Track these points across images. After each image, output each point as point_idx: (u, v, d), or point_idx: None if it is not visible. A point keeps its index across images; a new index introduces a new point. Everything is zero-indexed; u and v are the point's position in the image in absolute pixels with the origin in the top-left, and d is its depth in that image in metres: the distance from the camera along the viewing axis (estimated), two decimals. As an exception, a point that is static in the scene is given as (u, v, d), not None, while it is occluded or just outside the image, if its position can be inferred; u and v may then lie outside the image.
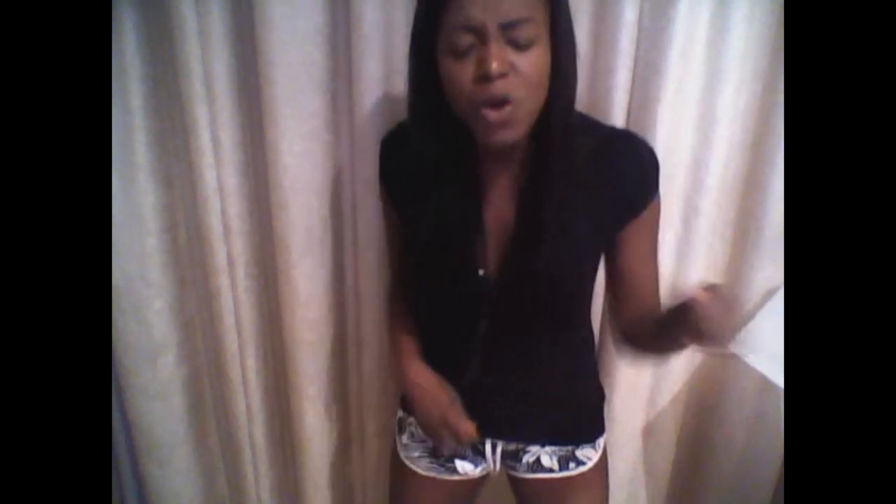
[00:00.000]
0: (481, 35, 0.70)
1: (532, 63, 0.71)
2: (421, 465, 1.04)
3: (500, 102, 0.72)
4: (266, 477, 1.40)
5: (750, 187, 1.11)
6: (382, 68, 1.03)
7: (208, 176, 1.10)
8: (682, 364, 1.24)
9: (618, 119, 1.04)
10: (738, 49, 1.01)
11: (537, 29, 0.71)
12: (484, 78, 0.70)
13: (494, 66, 0.69)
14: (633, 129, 1.05)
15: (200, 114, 1.05)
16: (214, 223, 1.14)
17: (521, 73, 0.71)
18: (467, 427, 0.88)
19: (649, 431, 1.29)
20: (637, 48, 1.00)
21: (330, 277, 1.23)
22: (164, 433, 1.33)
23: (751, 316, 1.15)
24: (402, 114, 1.04)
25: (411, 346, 0.97)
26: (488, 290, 0.87)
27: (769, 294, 1.14)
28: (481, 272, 0.86)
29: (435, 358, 0.96)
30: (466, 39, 0.70)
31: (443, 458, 1.02)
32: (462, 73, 0.72)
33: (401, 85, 1.05)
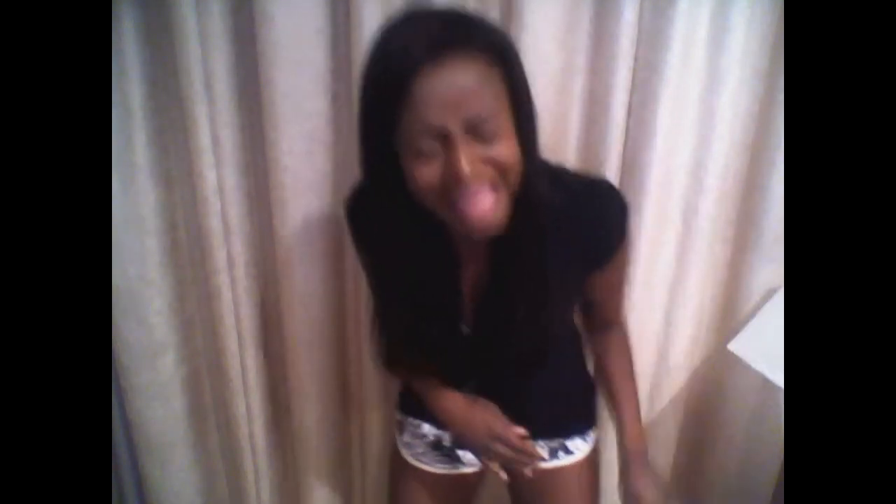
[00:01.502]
0: (445, 139, 0.65)
1: (502, 152, 0.67)
2: (426, 461, 1.05)
3: (482, 194, 0.68)
4: (266, 477, 1.40)
5: (750, 188, 1.11)
6: (382, 68, 1.03)
7: (208, 176, 1.10)
8: (682, 364, 1.24)
9: (618, 119, 1.04)
10: (738, 49, 1.01)
11: (500, 115, 0.67)
12: (456, 181, 0.66)
13: (466, 170, 0.65)
14: (633, 129, 1.05)
15: (200, 114, 1.05)
16: (214, 223, 1.14)
17: (494, 163, 0.67)
18: (517, 432, 0.89)
19: (649, 431, 1.29)
20: (637, 48, 1.00)
21: (330, 277, 1.23)
22: (164, 433, 1.33)
23: (751, 316, 1.15)
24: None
25: (433, 382, 0.96)
26: (472, 344, 0.88)
27: (769, 294, 1.14)
28: (465, 329, 0.87)
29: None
30: (430, 143, 0.66)
31: (446, 449, 1.03)
32: (430, 175, 0.67)
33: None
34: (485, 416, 0.91)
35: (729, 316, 1.20)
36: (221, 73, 1.06)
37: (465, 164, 0.65)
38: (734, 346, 1.10)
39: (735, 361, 1.11)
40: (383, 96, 0.66)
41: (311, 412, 1.31)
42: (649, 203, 1.07)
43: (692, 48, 1.00)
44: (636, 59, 1.01)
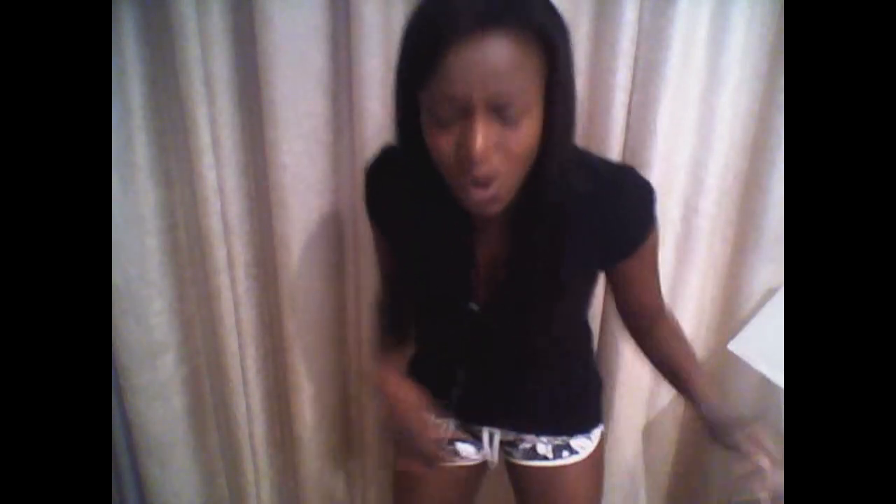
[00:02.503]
0: (466, 109, 0.64)
1: (519, 139, 0.65)
2: None
3: (484, 181, 0.67)
4: (266, 477, 1.40)
5: (750, 187, 1.11)
6: (382, 68, 1.03)
7: (208, 176, 1.10)
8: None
9: (618, 119, 1.04)
10: (737, 49, 1.01)
11: (529, 99, 0.65)
12: (466, 157, 0.65)
13: (479, 145, 0.63)
14: (633, 129, 1.05)
15: (200, 114, 1.05)
16: (214, 223, 1.14)
17: (506, 149, 0.66)
18: (433, 436, 0.86)
19: (649, 431, 1.29)
20: (637, 48, 1.00)
21: (330, 277, 1.23)
22: (164, 433, 1.33)
23: (751, 316, 1.15)
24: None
25: (392, 358, 0.95)
26: (482, 323, 0.87)
27: (769, 294, 1.14)
28: (475, 307, 0.86)
29: (430, 367, 0.97)
30: (450, 111, 0.64)
31: (444, 441, 1.02)
32: (444, 144, 0.67)
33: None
34: (411, 403, 0.87)
35: (729, 316, 1.20)
36: (221, 73, 1.06)
37: (481, 142, 0.64)
38: (734, 346, 1.10)
39: (735, 361, 1.11)
40: (417, 57, 0.65)
41: (311, 412, 1.31)
42: (649, 203, 1.07)
43: (692, 48, 1.00)
44: (636, 59, 1.01)
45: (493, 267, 0.84)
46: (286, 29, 1.01)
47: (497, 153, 0.66)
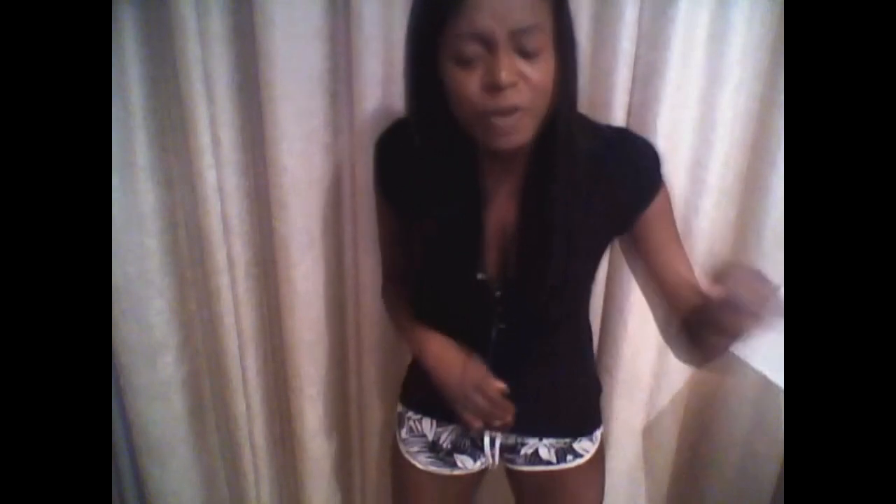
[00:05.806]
0: (489, 43, 0.68)
1: (540, 71, 0.70)
2: (420, 460, 1.04)
3: (510, 111, 0.71)
4: (266, 477, 1.40)
5: (750, 187, 1.11)
6: (382, 68, 1.04)
7: (208, 176, 1.10)
8: (683, 364, 1.24)
9: (618, 119, 1.04)
10: (738, 49, 1.01)
11: (544, 37, 0.70)
12: (493, 87, 0.69)
13: (504, 75, 0.68)
14: (634, 128, 1.05)
15: (200, 114, 1.05)
16: (214, 223, 1.14)
17: (529, 81, 0.70)
18: (499, 386, 0.87)
19: (649, 431, 1.29)
20: (637, 48, 1.00)
21: (330, 277, 1.23)
22: (164, 433, 1.33)
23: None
24: (401, 113, 1.05)
25: (420, 324, 0.96)
26: (489, 294, 0.87)
27: (769, 294, 1.14)
28: (480, 276, 0.86)
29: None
30: (473, 48, 0.69)
31: (442, 453, 1.03)
32: (469, 82, 0.71)
33: (401, 85, 1.05)
34: (472, 366, 0.90)
35: (729, 316, 1.20)
36: (221, 73, 1.06)
37: (504, 69, 0.68)
38: (734, 346, 1.10)
39: (735, 361, 1.11)
40: (435, 8, 0.70)
41: (311, 412, 1.31)
42: (649, 203, 1.07)
43: (692, 48, 1.00)
44: (636, 59, 1.01)
45: (502, 236, 0.86)
46: (286, 29, 1.01)
47: (520, 84, 0.70)
